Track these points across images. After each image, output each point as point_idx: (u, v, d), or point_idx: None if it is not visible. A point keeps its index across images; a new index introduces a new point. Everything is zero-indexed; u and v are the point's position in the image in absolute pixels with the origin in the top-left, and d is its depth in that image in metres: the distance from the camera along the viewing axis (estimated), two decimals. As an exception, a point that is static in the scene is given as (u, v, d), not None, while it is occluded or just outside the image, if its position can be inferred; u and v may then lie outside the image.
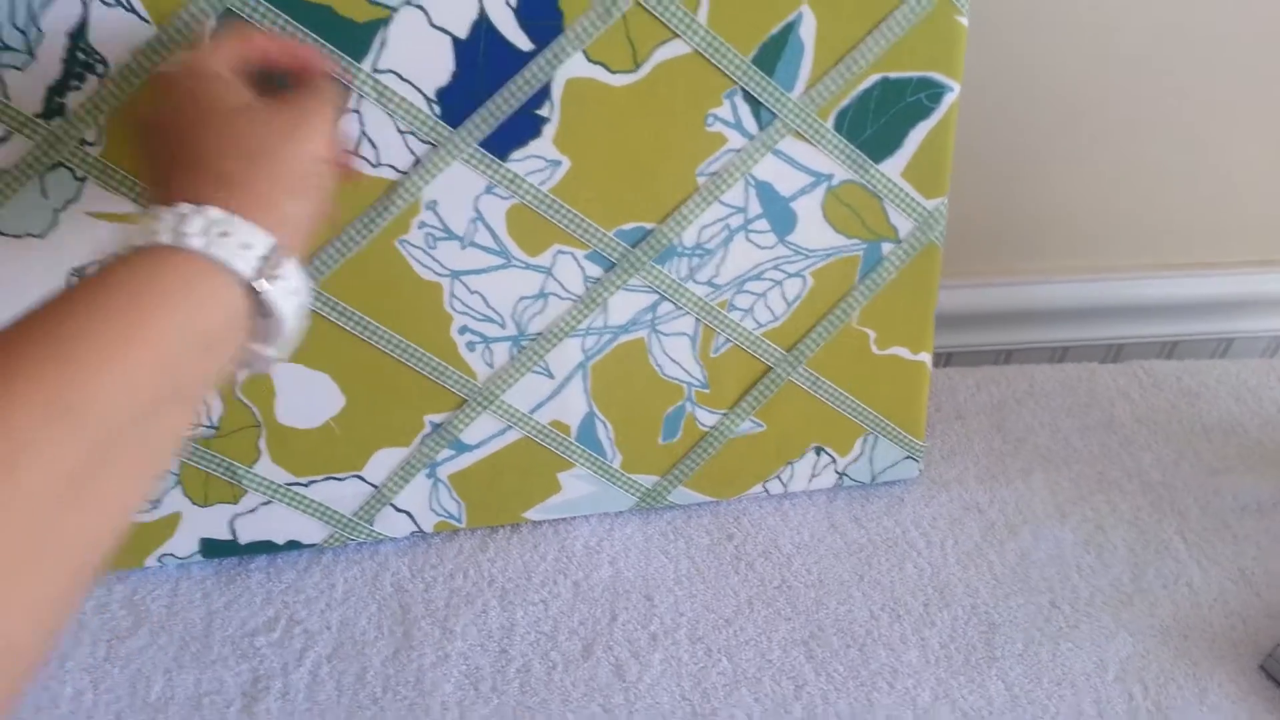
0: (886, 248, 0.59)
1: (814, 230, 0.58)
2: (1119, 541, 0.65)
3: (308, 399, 0.57)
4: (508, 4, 0.49)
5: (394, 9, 0.48)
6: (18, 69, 0.47)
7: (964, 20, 0.54)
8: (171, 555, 0.60)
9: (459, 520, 0.63)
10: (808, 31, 0.53)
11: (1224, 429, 0.74)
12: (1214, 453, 0.72)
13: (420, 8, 0.48)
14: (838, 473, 0.66)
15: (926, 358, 0.63)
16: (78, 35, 0.46)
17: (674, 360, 0.60)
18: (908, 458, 0.66)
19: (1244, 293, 0.89)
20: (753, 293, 0.59)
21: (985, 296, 0.87)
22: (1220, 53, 0.78)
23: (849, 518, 0.66)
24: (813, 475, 0.66)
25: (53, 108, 0.48)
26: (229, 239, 0.36)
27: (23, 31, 0.46)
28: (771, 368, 0.61)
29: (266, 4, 0.47)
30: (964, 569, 0.63)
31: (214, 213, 0.36)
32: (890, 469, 0.67)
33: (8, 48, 0.46)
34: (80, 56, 0.47)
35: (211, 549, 0.61)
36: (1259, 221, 0.87)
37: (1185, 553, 0.65)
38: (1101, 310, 0.88)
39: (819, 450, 0.65)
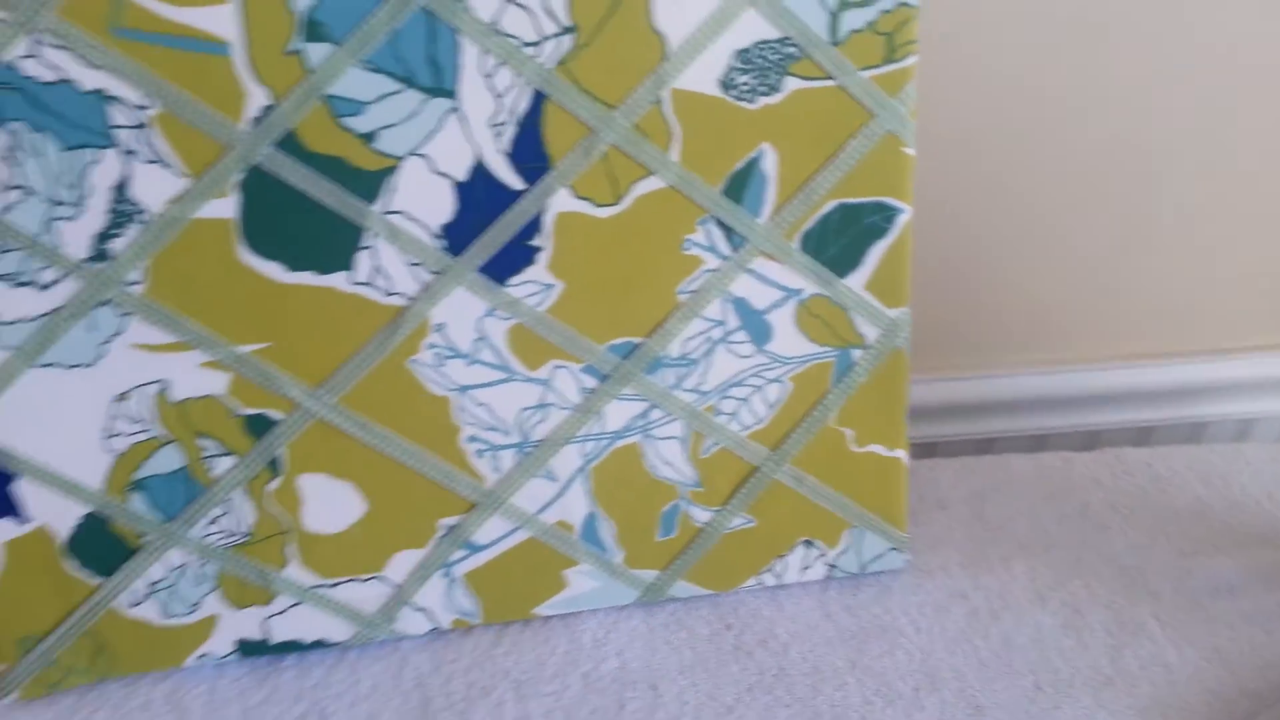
0: (856, 354, 0.59)
1: (789, 340, 0.58)
2: (1096, 624, 0.63)
3: (332, 507, 0.57)
4: (500, 150, 0.51)
5: (400, 158, 0.50)
6: (69, 219, 0.49)
7: (910, 151, 0.55)
8: (209, 654, 0.60)
9: (474, 617, 0.62)
10: (769, 165, 0.54)
11: (1193, 513, 0.72)
12: (1184, 536, 0.70)
13: (423, 156, 0.50)
14: (827, 564, 0.65)
15: (902, 454, 0.62)
16: (120, 189, 0.49)
17: (667, 462, 0.60)
18: (893, 549, 0.65)
19: (1210, 379, 0.88)
20: (736, 398, 0.59)
21: (964, 389, 0.86)
22: (1171, 146, 0.79)
23: (841, 606, 0.65)
24: (804, 567, 0.64)
25: (98, 253, 0.50)
26: None
27: (72, 188, 0.48)
28: (758, 467, 0.61)
29: (287, 157, 0.49)
30: (950, 654, 0.61)
31: None
32: (877, 560, 0.65)
33: (60, 203, 0.48)
34: (122, 208, 0.49)
35: (247, 649, 0.60)
36: (1222, 308, 0.87)
37: (1161, 634, 0.62)
38: (1076, 400, 0.87)
39: (808, 543, 0.64)
